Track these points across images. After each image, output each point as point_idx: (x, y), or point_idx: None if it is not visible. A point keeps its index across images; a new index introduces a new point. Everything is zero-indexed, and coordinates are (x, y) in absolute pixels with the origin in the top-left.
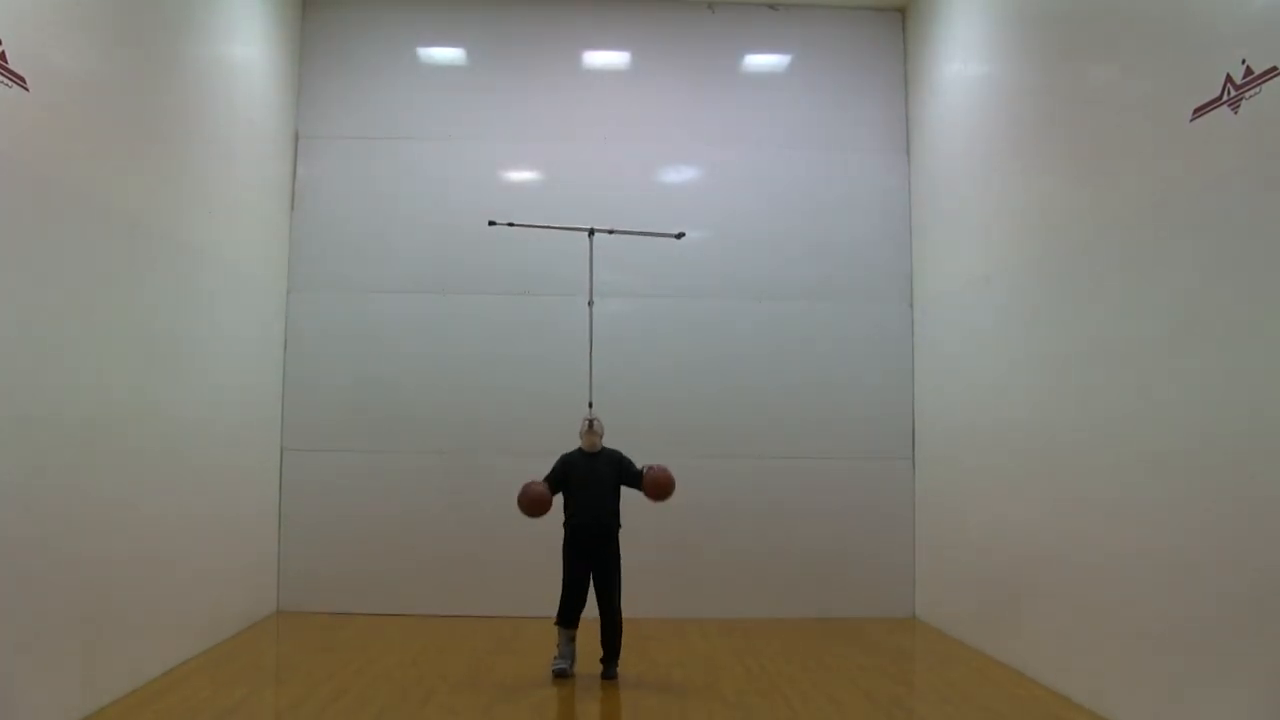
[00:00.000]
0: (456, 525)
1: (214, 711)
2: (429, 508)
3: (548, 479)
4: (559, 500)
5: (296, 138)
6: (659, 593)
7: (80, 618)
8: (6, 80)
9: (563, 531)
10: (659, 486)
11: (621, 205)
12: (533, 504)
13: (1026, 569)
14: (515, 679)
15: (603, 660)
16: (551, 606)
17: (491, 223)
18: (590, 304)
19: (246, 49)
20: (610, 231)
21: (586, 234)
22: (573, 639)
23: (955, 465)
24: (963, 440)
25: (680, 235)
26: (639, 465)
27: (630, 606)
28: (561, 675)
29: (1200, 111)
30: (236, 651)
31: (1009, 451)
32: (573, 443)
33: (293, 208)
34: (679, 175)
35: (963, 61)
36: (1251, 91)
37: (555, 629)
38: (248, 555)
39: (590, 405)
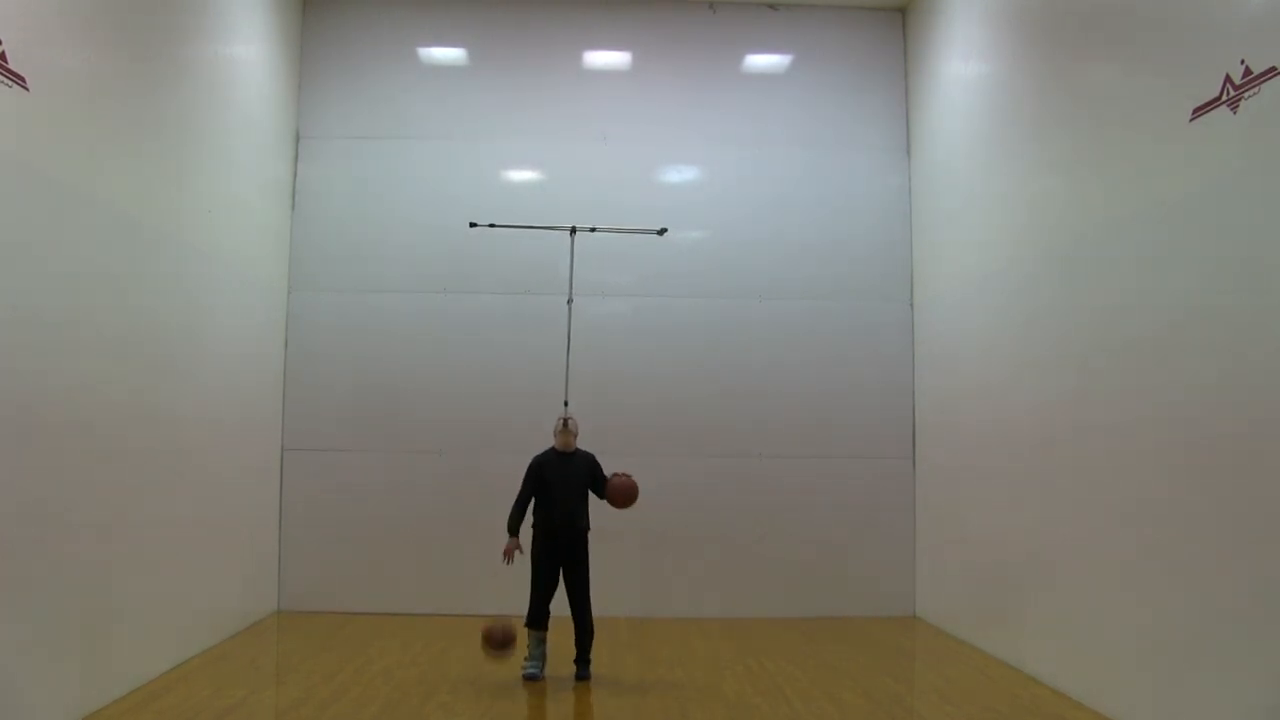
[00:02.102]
0: (456, 525)
1: (214, 711)
2: (429, 508)
3: (523, 488)
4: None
5: (296, 138)
6: (659, 592)
7: (80, 618)
8: (6, 80)
9: (533, 532)
10: (624, 494)
11: (621, 205)
12: (500, 646)
13: (1026, 568)
14: (515, 679)
15: (576, 661)
16: None
17: (472, 224)
18: (570, 302)
19: (246, 49)
20: (592, 230)
21: (568, 233)
22: (544, 640)
23: (955, 465)
24: (963, 440)
25: (662, 231)
26: (608, 472)
27: (631, 606)
28: (532, 679)
29: (1200, 111)
30: (236, 651)
31: (1009, 451)
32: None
33: (293, 208)
34: (679, 175)
35: (963, 61)
36: (1251, 91)
37: (525, 631)
38: (248, 555)
39: (565, 404)
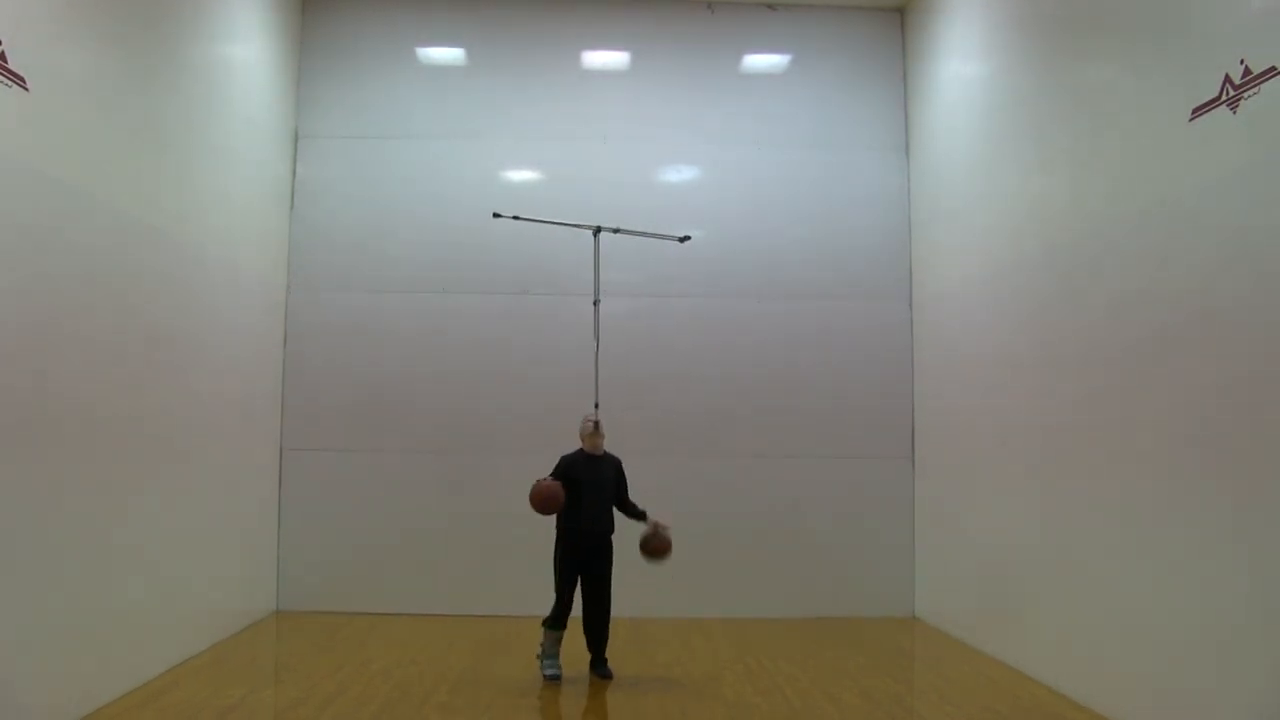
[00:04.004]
0: (456, 525)
1: (213, 711)
2: (429, 508)
3: (552, 476)
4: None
5: (296, 137)
6: (659, 592)
7: (80, 617)
8: (6, 80)
9: (556, 533)
10: (660, 553)
11: (621, 205)
12: (546, 500)
13: (1026, 568)
14: (515, 679)
15: (596, 662)
16: (548, 606)
17: (496, 214)
18: (596, 303)
19: (246, 48)
20: (615, 231)
21: (592, 233)
22: (560, 640)
23: (955, 465)
24: (963, 440)
25: (685, 239)
26: (636, 494)
27: (631, 606)
28: (555, 680)
29: (1199, 111)
30: (236, 651)
31: (1009, 451)
32: (572, 443)
33: (292, 207)
34: (679, 175)
35: (961, 61)
36: (1250, 91)
37: (543, 631)
38: (247, 555)
39: (596, 406)
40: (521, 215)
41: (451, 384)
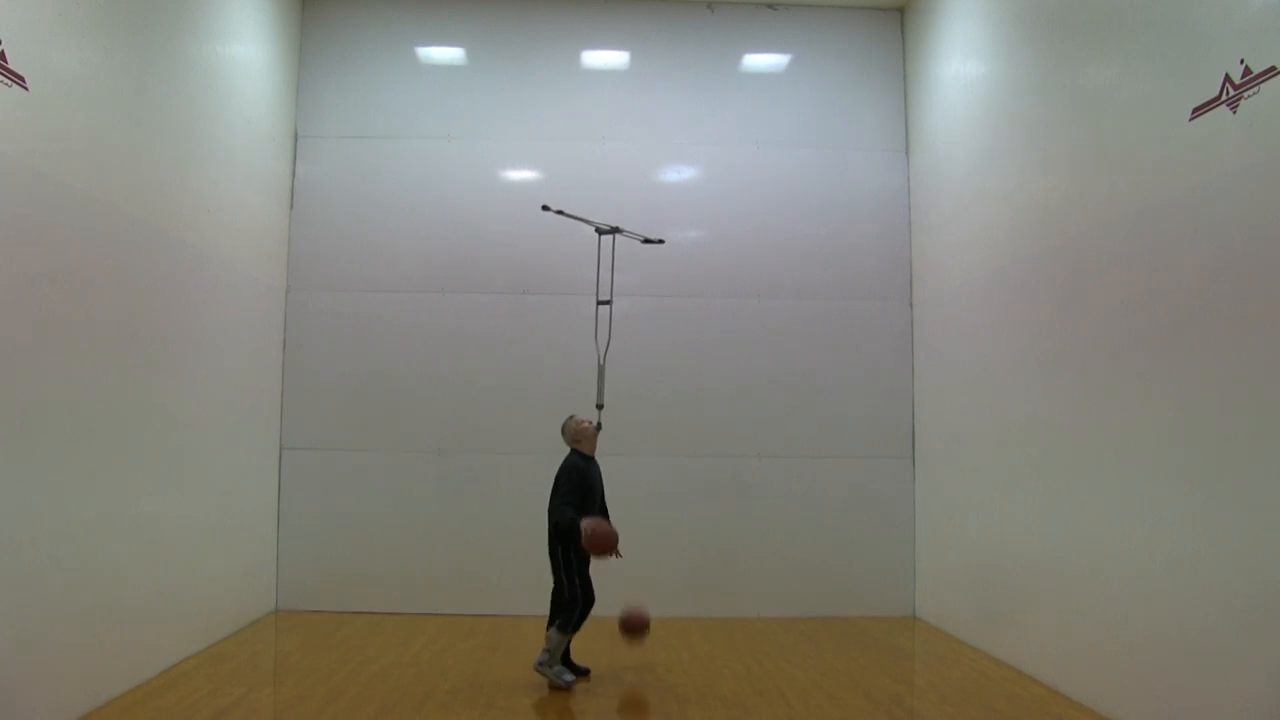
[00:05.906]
0: (456, 525)
1: (212, 710)
2: (429, 508)
3: (573, 490)
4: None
5: (295, 137)
6: (659, 593)
7: (79, 617)
8: (6, 80)
9: (568, 536)
10: (641, 632)
11: (621, 205)
12: (607, 541)
13: (1026, 568)
14: (514, 679)
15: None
16: (548, 605)
17: (545, 207)
18: (610, 303)
19: (246, 48)
20: (619, 230)
21: (599, 233)
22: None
23: (955, 465)
24: (963, 440)
25: (647, 240)
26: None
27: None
28: (571, 684)
29: (1199, 111)
30: (235, 650)
31: (1009, 451)
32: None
33: (292, 207)
34: (679, 175)
35: (961, 61)
36: (1250, 91)
37: (555, 637)
38: (247, 554)
39: (600, 408)
40: (566, 211)
41: (451, 384)
